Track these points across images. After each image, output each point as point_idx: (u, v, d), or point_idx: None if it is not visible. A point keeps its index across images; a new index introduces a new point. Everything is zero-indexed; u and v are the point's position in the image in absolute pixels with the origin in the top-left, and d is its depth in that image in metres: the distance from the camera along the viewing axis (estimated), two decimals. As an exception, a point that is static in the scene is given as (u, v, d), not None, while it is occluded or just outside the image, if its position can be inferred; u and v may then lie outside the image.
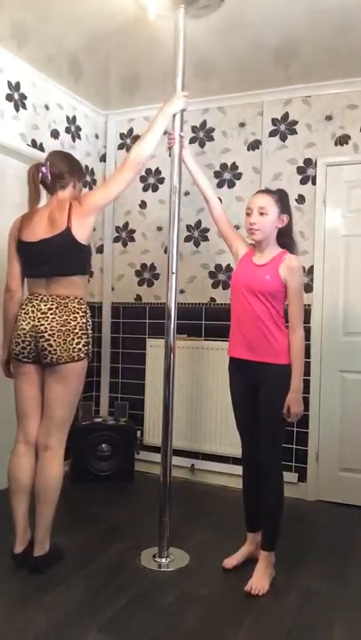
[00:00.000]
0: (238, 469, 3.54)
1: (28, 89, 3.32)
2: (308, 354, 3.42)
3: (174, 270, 2.52)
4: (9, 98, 3.19)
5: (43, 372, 2.36)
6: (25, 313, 2.32)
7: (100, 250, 4.05)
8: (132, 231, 3.98)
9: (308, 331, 3.43)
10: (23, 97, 3.29)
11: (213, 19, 2.64)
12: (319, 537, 2.91)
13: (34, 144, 3.39)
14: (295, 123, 3.50)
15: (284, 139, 3.53)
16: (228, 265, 3.59)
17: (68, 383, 2.32)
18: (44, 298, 2.32)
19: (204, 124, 3.74)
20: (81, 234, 2.30)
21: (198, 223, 3.74)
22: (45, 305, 2.30)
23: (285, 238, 2.41)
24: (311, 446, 3.41)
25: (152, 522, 2.59)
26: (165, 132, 2.47)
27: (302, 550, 2.71)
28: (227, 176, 3.69)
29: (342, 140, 3.38)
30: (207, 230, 3.69)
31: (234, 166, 3.67)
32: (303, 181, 3.48)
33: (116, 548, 2.61)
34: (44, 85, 3.44)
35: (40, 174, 2.38)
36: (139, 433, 3.79)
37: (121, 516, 3.03)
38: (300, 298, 2.35)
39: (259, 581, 2.28)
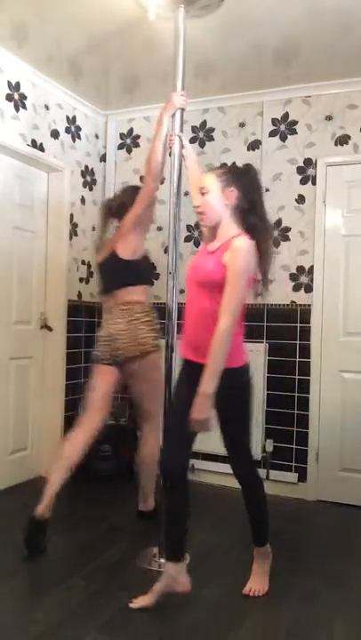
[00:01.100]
0: (238, 469, 3.54)
1: (28, 89, 3.32)
2: (308, 354, 3.43)
3: (174, 270, 2.52)
4: (9, 98, 3.19)
5: None
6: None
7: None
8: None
9: (308, 331, 3.44)
10: (23, 97, 3.29)
11: (213, 19, 2.64)
12: (319, 537, 2.91)
13: (34, 144, 3.39)
14: (295, 123, 3.50)
15: (284, 139, 3.53)
16: (228, 265, 3.59)
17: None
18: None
19: (204, 123, 3.74)
20: (123, 252, 2.68)
21: (198, 223, 3.73)
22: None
23: (252, 218, 2.08)
24: (311, 446, 3.41)
25: (152, 522, 2.59)
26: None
27: (302, 550, 2.71)
28: (227, 176, 3.68)
29: (342, 140, 3.38)
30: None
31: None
32: (303, 181, 3.48)
33: (116, 548, 2.61)
34: (43, 85, 3.44)
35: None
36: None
37: (121, 515, 3.03)
38: (237, 283, 1.95)
39: (257, 583, 2.26)
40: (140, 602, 2.10)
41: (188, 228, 3.74)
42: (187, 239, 3.74)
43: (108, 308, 2.77)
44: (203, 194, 2.10)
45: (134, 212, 2.64)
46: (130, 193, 2.76)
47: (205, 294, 2.04)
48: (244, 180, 2.10)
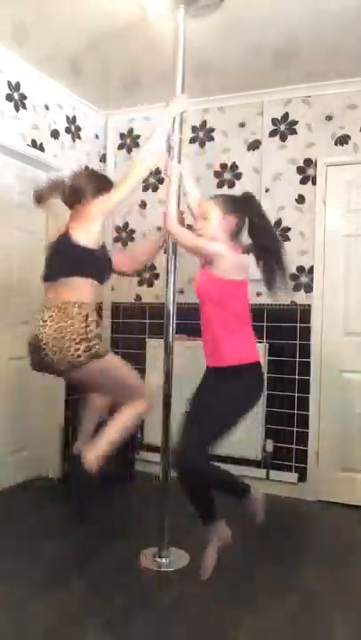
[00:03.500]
0: (239, 469, 3.54)
1: (28, 89, 3.32)
2: (308, 354, 3.43)
3: (173, 270, 2.53)
4: (9, 98, 3.19)
5: None
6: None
7: (100, 250, 4.05)
8: (133, 231, 3.98)
9: (308, 331, 3.44)
10: (23, 97, 3.29)
11: (213, 19, 2.64)
12: (319, 537, 2.91)
13: (34, 144, 3.39)
14: (295, 123, 3.50)
15: (284, 139, 3.53)
16: (228, 265, 3.60)
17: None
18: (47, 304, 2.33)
19: (204, 124, 3.74)
20: (82, 238, 2.32)
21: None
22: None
23: (263, 240, 2.37)
24: (311, 446, 3.41)
25: (152, 522, 2.59)
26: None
27: (302, 550, 2.72)
28: (227, 176, 3.69)
29: (342, 140, 3.38)
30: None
31: (234, 166, 3.67)
32: (303, 181, 3.48)
33: (116, 548, 2.61)
34: (44, 85, 3.44)
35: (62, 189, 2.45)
36: (139, 433, 3.79)
37: (121, 516, 3.03)
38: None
39: (204, 559, 2.30)
40: (206, 564, 2.28)
41: (188, 227, 3.73)
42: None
43: (44, 302, 2.36)
44: (204, 219, 2.34)
45: (110, 204, 2.34)
46: (88, 179, 2.45)
47: (208, 306, 2.32)
48: (243, 207, 2.36)
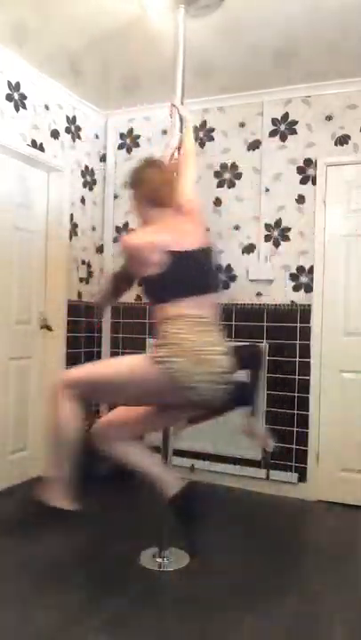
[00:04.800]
0: (239, 469, 3.55)
1: (28, 89, 3.32)
2: (308, 354, 3.43)
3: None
4: (9, 98, 3.19)
5: None
6: None
7: (100, 250, 4.05)
8: (133, 230, 3.98)
9: (308, 331, 3.44)
10: (23, 97, 3.29)
11: (213, 19, 2.64)
12: (319, 537, 2.91)
13: (34, 144, 3.39)
14: (295, 123, 3.50)
15: (284, 139, 3.53)
16: (229, 265, 3.59)
17: None
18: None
19: (204, 124, 3.74)
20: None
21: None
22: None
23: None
24: (311, 446, 3.41)
25: (152, 522, 2.59)
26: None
27: (302, 550, 2.71)
28: (227, 176, 3.69)
29: (342, 140, 3.38)
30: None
31: (234, 166, 3.67)
32: (303, 181, 3.48)
33: (116, 548, 2.61)
34: (44, 85, 3.44)
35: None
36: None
37: (121, 515, 3.03)
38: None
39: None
40: None
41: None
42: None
43: (198, 319, 1.94)
44: None
45: (197, 205, 2.16)
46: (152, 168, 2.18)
47: None
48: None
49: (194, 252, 2.01)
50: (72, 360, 3.74)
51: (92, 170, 3.98)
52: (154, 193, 2.11)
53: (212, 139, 3.73)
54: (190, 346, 1.87)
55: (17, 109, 3.25)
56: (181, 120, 2.49)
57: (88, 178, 3.93)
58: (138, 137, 3.97)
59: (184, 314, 1.94)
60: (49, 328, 3.62)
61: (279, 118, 3.54)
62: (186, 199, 2.18)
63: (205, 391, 1.86)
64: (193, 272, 2.01)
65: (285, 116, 3.52)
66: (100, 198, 4.03)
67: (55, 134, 3.58)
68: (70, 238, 3.72)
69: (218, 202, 3.69)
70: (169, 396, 1.93)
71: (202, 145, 3.75)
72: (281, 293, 3.51)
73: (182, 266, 1.97)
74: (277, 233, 3.54)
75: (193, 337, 1.89)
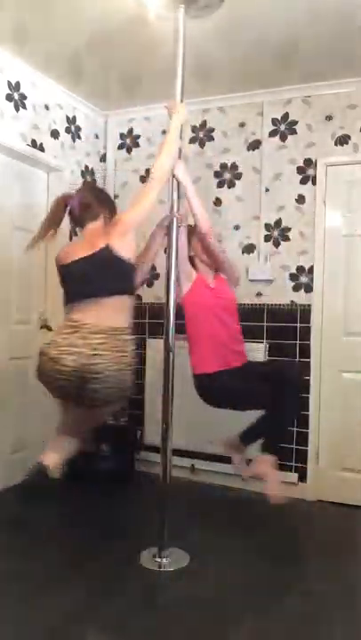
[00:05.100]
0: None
1: (28, 89, 3.32)
2: (308, 354, 3.43)
3: (173, 270, 2.53)
4: (9, 98, 3.19)
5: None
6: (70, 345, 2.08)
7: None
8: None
9: (308, 331, 3.44)
10: (23, 97, 3.29)
11: (213, 19, 2.64)
12: (319, 537, 2.91)
13: (34, 144, 3.39)
14: (295, 123, 3.50)
15: (284, 139, 3.53)
16: (228, 265, 3.60)
17: None
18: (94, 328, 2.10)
19: (204, 123, 3.74)
20: (123, 251, 2.19)
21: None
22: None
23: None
24: (311, 446, 3.41)
25: (152, 522, 2.59)
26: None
27: (302, 550, 2.72)
28: (227, 176, 3.69)
29: (342, 140, 3.38)
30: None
31: (234, 166, 3.67)
32: (303, 181, 3.48)
33: (116, 548, 2.61)
34: (44, 85, 3.44)
35: (68, 206, 2.32)
36: (139, 433, 3.79)
37: (121, 515, 3.03)
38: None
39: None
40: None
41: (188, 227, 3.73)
42: (187, 239, 3.74)
43: (76, 323, 2.12)
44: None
45: (139, 214, 2.25)
46: (96, 194, 2.43)
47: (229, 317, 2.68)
48: None
49: (74, 263, 2.21)
50: (72, 360, 3.73)
51: (92, 170, 3.98)
52: (72, 214, 2.36)
53: (212, 139, 3.73)
54: (51, 346, 2.12)
55: (17, 109, 3.25)
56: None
57: (88, 178, 3.93)
58: (138, 137, 3.97)
59: (65, 318, 2.21)
60: (49, 328, 3.62)
61: (279, 118, 3.54)
62: (123, 211, 2.32)
63: (58, 387, 2.13)
64: (73, 281, 2.22)
65: (285, 116, 3.52)
66: (100, 198, 4.03)
67: (55, 134, 3.58)
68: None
69: (218, 202, 3.69)
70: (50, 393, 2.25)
71: (202, 145, 3.75)
72: (281, 293, 3.51)
73: (65, 276, 2.26)
74: (277, 233, 3.54)
75: (58, 338, 2.13)
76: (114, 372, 2.04)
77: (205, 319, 2.58)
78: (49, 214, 2.35)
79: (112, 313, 2.14)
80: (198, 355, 2.62)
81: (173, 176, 2.48)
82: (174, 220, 2.50)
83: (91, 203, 2.33)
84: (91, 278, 2.17)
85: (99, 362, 2.02)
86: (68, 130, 3.70)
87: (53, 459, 2.26)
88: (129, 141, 4.00)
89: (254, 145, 3.61)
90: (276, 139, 3.55)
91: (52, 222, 2.32)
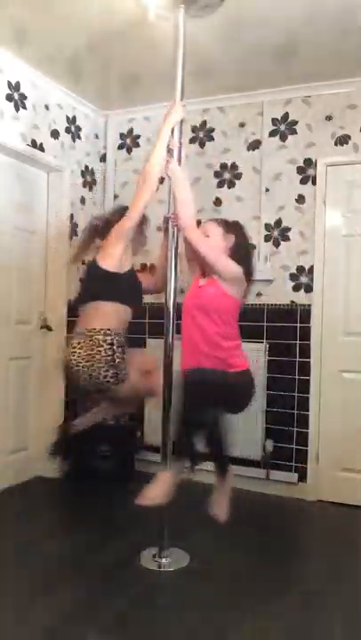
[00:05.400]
0: (238, 469, 3.54)
1: (28, 89, 3.32)
2: (308, 354, 3.43)
3: (173, 270, 2.53)
4: (9, 98, 3.19)
5: None
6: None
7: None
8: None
9: (308, 331, 3.44)
10: (23, 97, 3.29)
11: (213, 19, 2.64)
12: (319, 537, 2.91)
13: (34, 144, 3.39)
14: (295, 123, 3.50)
15: (284, 139, 3.53)
16: (228, 265, 3.59)
17: None
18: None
19: (204, 123, 3.74)
20: (102, 260, 2.42)
21: (198, 223, 3.73)
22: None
23: (245, 262, 2.60)
24: (311, 446, 3.41)
25: (152, 522, 2.59)
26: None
27: (302, 550, 2.72)
28: (227, 176, 3.69)
29: (342, 140, 3.38)
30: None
31: (234, 166, 3.67)
32: (303, 181, 3.48)
33: (116, 548, 2.61)
34: (44, 85, 3.44)
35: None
36: (139, 433, 3.79)
37: (121, 516, 3.03)
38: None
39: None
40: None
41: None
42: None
43: (75, 328, 2.48)
44: (205, 237, 2.51)
45: (124, 224, 2.39)
46: (119, 211, 2.56)
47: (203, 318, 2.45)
48: (237, 231, 2.59)
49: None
50: (72, 360, 3.74)
51: (92, 170, 3.98)
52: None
53: (212, 139, 3.73)
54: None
55: (17, 109, 3.25)
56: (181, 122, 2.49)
57: (88, 178, 3.93)
58: (138, 137, 3.97)
59: None
60: (49, 328, 3.62)
61: (279, 118, 3.54)
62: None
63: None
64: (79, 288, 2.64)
65: (285, 116, 3.52)
66: (100, 198, 4.03)
67: (55, 134, 3.58)
68: (70, 238, 3.72)
69: (218, 202, 3.69)
70: None
71: (202, 145, 3.75)
72: (281, 293, 3.51)
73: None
74: (277, 233, 3.54)
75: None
76: (84, 368, 2.33)
77: (183, 318, 2.54)
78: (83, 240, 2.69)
79: (89, 317, 2.41)
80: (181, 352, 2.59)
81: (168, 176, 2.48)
82: (170, 221, 2.51)
83: (111, 220, 2.53)
84: (81, 289, 2.58)
85: (73, 359, 2.35)
86: (68, 130, 3.70)
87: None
88: (129, 141, 4.00)
89: (254, 145, 3.61)
90: (276, 139, 3.55)
91: (85, 246, 2.66)
